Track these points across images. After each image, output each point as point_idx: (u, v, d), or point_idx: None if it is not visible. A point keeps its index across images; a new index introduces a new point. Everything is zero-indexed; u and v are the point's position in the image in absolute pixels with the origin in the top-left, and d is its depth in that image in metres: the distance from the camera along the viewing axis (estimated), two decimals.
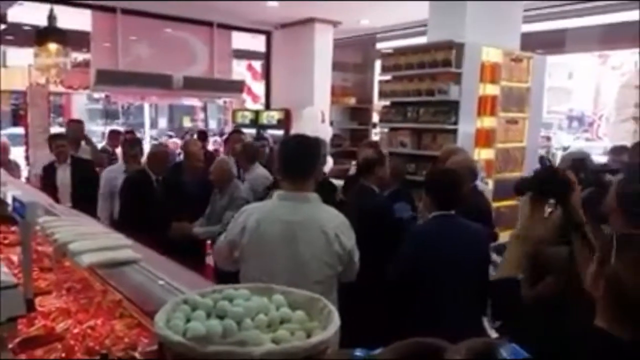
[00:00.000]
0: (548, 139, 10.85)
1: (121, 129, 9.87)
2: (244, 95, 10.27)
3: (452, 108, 4.74)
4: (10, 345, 1.53)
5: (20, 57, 10.44)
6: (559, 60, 10.46)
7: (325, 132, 8.05)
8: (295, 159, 2.30)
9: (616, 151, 4.56)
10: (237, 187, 4.12)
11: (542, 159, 1.77)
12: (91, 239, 2.14)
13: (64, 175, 5.05)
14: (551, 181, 1.65)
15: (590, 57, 11.20)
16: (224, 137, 10.10)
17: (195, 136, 8.65)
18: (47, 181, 5.07)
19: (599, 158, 6.08)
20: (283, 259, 2.16)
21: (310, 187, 2.28)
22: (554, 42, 7.49)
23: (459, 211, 2.88)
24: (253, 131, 8.15)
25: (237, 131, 6.24)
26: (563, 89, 17.46)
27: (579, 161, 3.09)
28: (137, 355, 1.58)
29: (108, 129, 11.06)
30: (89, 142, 5.88)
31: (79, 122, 6.35)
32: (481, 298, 2.73)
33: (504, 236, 4.53)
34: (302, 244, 2.16)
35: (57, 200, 4.51)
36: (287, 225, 2.17)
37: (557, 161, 3.66)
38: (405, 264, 2.75)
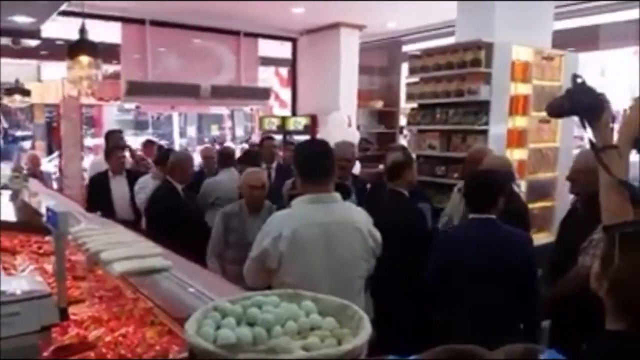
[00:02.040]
0: (582, 138, 10.57)
1: (155, 139, 10.06)
2: (272, 102, 10.32)
3: (482, 108, 4.65)
4: (44, 354, 1.54)
5: (54, 71, 10.76)
6: (592, 57, 10.18)
7: (353, 137, 8.01)
8: (318, 161, 2.33)
9: None
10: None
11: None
12: (122, 247, 2.16)
13: (120, 188, 5.07)
14: None
15: (625, 52, 10.86)
16: (252, 142, 10.19)
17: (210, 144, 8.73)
18: (97, 193, 5.02)
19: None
20: (323, 260, 2.19)
21: (333, 188, 2.32)
22: (587, 39, 7.30)
23: (498, 215, 2.81)
24: (280, 137, 8.18)
25: (269, 137, 6.27)
26: (597, 85, 17.04)
27: None
28: None
29: (139, 139, 11.29)
30: (132, 152, 5.95)
31: (119, 132, 6.48)
32: (523, 305, 2.64)
33: (537, 238, 4.42)
34: (340, 243, 2.22)
35: (113, 213, 4.61)
36: (324, 227, 2.21)
37: None
38: (438, 269, 2.70)
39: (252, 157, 5.08)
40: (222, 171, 4.94)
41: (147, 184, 4.81)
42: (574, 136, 5.70)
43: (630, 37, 7.11)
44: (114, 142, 5.83)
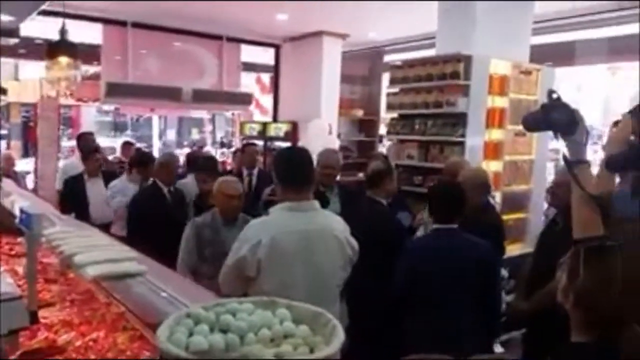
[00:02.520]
0: (557, 152, 10.78)
1: (133, 140, 9.96)
2: (253, 108, 10.31)
3: (460, 120, 4.71)
4: (12, 358, 1.52)
5: (32, 70, 10.58)
6: (568, 73, 10.41)
7: (333, 144, 8.05)
8: (299, 169, 2.34)
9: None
10: None
11: None
12: (96, 250, 2.13)
13: (96, 190, 4.98)
14: None
15: (600, 69, 11.13)
16: (233, 149, 10.15)
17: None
18: (72, 195, 4.94)
19: None
20: (302, 268, 2.19)
21: (312, 196, 2.34)
22: (564, 55, 7.47)
23: (469, 226, 2.85)
24: (260, 143, 8.17)
25: (251, 144, 6.24)
26: (572, 101, 17.32)
27: None
28: None
29: (118, 140, 11.15)
30: (100, 154, 5.87)
31: (90, 134, 6.40)
32: (487, 313, 2.70)
33: (511, 249, 4.49)
34: (319, 251, 2.23)
35: (88, 216, 4.53)
36: (303, 235, 2.21)
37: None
38: (404, 279, 2.72)
39: (212, 163, 4.70)
40: (189, 175, 4.90)
41: (123, 187, 4.74)
42: (549, 149, 5.81)
43: (604, 54, 7.32)
44: (85, 144, 5.75)
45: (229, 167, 7.23)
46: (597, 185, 1.58)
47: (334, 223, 2.36)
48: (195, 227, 3.23)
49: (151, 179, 4.45)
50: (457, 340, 2.53)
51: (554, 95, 1.63)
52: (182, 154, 8.98)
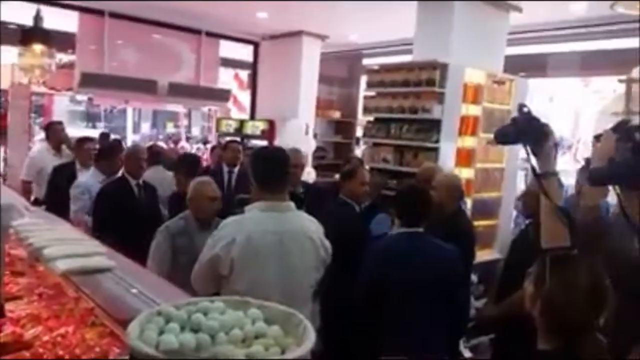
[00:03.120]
0: (528, 160, 11.01)
1: (108, 132, 9.78)
2: (230, 105, 10.25)
3: (434, 127, 4.79)
4: None
5: (4, 56, 10.28)
6: (541, 84, 10.64)
7: (309, 145, 8.08)
8: (276, 169, 2.35)
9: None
10: None
11: None
12: (66, 244, 2.11)
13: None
14: None
15: (572, 81, 11.41)
16: (210, 145, 10.06)
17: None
18: (61, 184, 4.51)
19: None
20: (275, 268, 2.20)
21: (287, 196, 2.36)
22: (537, 66, 7.64)
23: (441, 230, 2.90)
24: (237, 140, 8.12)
25: (234, 141, 6.17)
26: (544, 111, 17.74)
27: None
28: None
29: (90, 132, 10.92)
30: (69, 145, 5.70)
31: (59, 124, 6.19)
32: (452, 317, 2.75)
33: (481, 255, 4.58)
34: (293, 252, 2.24)
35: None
36: (278, 235, 2.22)
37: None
38: (367, 282, 2.73)
39: (192, 162, 4.36)
40: (149, 169, 4.54)
41: (90, 185, 4.24)
42: (519, 158, 5.94)
43: (575, 67, 7.52)
44: (54, 134, 5.55)
45: (205, 164, 7.16)
46: (592, 195, 1.65)
47: (308, 224, 2.38)
48: (169, 235, 2.98)
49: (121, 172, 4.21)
50: (422, 344, 2.58)
51: (525, 109, 1.69)
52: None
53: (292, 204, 2.34)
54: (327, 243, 2.38)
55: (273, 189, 2.31)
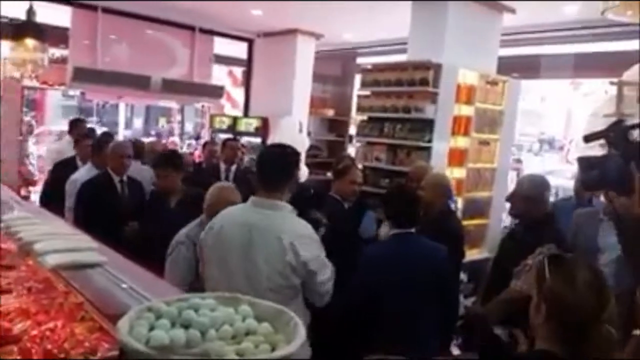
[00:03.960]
0: (519, 161, 11.08)
1: (105, 129, 9.72)
2: (224, 101, 10.22)
3: (427, 126, 4.82)
4: None
5: None
6: (533, 84, 10.69)
7: (302, 142, 8.07)
8: (270, 169, 2.36)
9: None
10: None
11: None
12: (57, 239, 2.11)
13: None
14: None
15: (563, 83, 11.50)
16: (202, 140, 10.02)
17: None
18: (62, 181, 4.41)
19: (568, 182, 6.23)
20: (239, 261, 2.23)
21: (284, 197, 2.33)
22: (529, 67, 7.68)
23: (430, 230, 2.92)
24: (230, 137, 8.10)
25: (233, 139, 6.18)
26: (535, 112, 17.82)
27: None
28: None
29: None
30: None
31: (82, 121, 6.27)
32: (444, 316, 2.77)
33: (471, 254, 4.62)
34: (257, 248, 2.21)
35: None
36: (245, 228, 2.24)
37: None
38: (362, 287, 2.72)
39: (172, 158, 3.89)
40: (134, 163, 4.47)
41: (83, 181, 4.11)
42: (511, 159, 5.99)
43: (567, 69, 7.57)
44: (78, 132, 5.55)
45: (197, 160, 7.15)
46: None
47: (286, 226, 2.25)
48: (192, 243, 2.75)
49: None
50: (416, 343, 2.59)
51: None
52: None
53: (283, 204, 2.30)
54: (302, 252, 2.19)
55: (266, 187, 2.32)
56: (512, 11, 5.63)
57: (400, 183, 3.80)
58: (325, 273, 2.28)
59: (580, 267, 1.36)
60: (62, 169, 4.81)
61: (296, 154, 2.47)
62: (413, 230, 2.77)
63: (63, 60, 7.80)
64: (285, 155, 2.41)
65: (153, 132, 16.59)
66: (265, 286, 2.17)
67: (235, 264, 2.23)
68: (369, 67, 5.65)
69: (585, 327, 1.28)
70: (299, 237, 2.23)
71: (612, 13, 3.82)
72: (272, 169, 2.35)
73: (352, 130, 8.85)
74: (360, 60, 9.17)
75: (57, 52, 8.11)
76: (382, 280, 2.67)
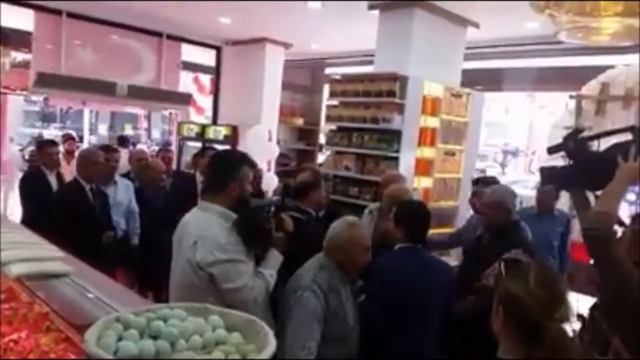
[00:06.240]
0: (483, 171, 11.35)
1: (74, 133, 9.49)
2: (189, 107, 10.13)
3: (394, 137, 4.90)
4: None
5: None
6: (497, 96, 10.99)
7: (272, 151, 8.08)
8: (209, 172, 2.51)
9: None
10: None
11: None
12: (21, 248, 2.07)
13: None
14: None
15: (522, 95, 11.88)
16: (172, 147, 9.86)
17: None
18: (34, 190, 4.44)
19: (531, 192, 6.40)
20: (174, 256, 2.38)
21: (221, 202, 2.34)
22: (493, 80, 7.90)
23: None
24: (199, 144, 8.03)
25: (211, 148, 6.07)
26: (499, 123, 18.30)
27: None
28: None
29: (46, 133, 10.56)
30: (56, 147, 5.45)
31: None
32: (444, 329, 2.77)
33: None
34: (179, 245, 2.34)
35: None
36: (180, 226, 2.38)
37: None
38: (378, 298, 2.66)
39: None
40: None
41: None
42: (475, 169, 6.13)
43: (529, 82, 7.83)
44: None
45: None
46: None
47: (198, 224, 2.28)
48: (322, 292, 2.38)
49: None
50: (429, 354, 2.61)
51: None
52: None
53: (212, 206, 2.31)
54: (199, 251, 2.19)
55: (205, 189, 2.45)
56: (476, 26, 5.79)
57: (413, 199, 3.71)
58: (234, 281, 2.18)
59: (533, 268, 1.43)
60: (33, 177, 4.77)
61: (237, 159, 2.44)
62: (420, 245, 2.78)
63: (26, 65, 7.60)
64: (224, 162, 2.49)
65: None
66: (179, 280, 2.31)
67: (174, 259, 2.38)
68: (338, 77, 5.71)
69: (540, 326, 1.33)
70: (204, 238, 2.21)
71: (563, 36, 4.01)
72: (210, 172, 2.49)
73: (322, 139, 8.90)
74: (328, 70, 9.26)
75: (19, 56, 7.91)
76: (398, 292, 2.61)
